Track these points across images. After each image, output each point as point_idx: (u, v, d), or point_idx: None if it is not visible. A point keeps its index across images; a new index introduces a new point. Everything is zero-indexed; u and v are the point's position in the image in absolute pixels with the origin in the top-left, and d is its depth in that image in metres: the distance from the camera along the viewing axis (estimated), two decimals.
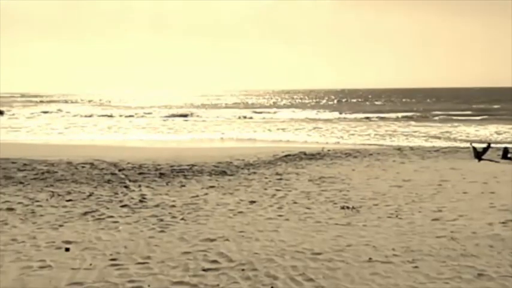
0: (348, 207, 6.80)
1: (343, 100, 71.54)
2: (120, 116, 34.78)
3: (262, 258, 4.62)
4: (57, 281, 4.04)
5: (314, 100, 74.09)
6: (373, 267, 4.42)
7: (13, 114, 35.36)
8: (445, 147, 15.09)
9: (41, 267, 4.46)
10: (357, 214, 6.49)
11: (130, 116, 35.01)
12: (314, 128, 25.05)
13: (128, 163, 11.23)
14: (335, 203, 7.12)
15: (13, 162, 11.35)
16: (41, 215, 6.49)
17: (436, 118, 31.36)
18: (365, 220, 6.16)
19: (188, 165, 10.87)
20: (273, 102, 68.87)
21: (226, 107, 55.38)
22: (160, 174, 9.77)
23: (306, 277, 4.17)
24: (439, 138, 19.87)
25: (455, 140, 19.03)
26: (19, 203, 7.22)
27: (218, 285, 3.98)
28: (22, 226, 5.95)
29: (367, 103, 62.27)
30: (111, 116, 35.16)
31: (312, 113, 38.12)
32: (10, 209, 6.81)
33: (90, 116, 35.60)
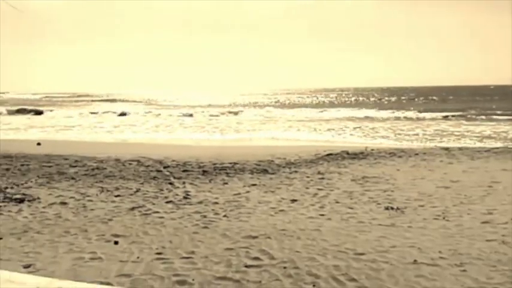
0: (392, 208, 6.66)
1: (389, 98, 69.77)
2: (170, 115, 35.26)
3: (304, 257, 4.63)
4: (107, 273, 4.23)
5: (358, 98, 72.79)
6: (419, 269, 4.31)
7: (53, 115, 36.94)
8: (497, 148, 14.37)
9: (92, 259, 4.69)
10: (402, 215, 6.34)
11: (182, 114, 35.38)
12: (358, 127, 24.54)
13: (173, 161, 11.54)
14: (379, 204, 6.98)
15: (65, 159, 11.97)
16: (92, 209, 6.80)
17: (491, 117, 29.72)
18: (410, 221, 6.01)
19: (230, 163, 11.02)
20: (318, 101, 68.26)
21: (269, 105, 55.46)
22: (204, 171, 9.97)
23: (348, 277, 4.13)
24: (493, 138, 18.83)
25: (511, 140, 18.00)
26: (71, 197, 7.61)
27: (260, 281, 4.02)
28: (74, 219, 6.27)
29: (415, 101, 60.33)
30: (159, 114, 35.83)
31: (356, 112, 37.35)
32: (63, 203, 7.19)
33: (147, 113, 36.24)
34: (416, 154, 12.23)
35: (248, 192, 7.92)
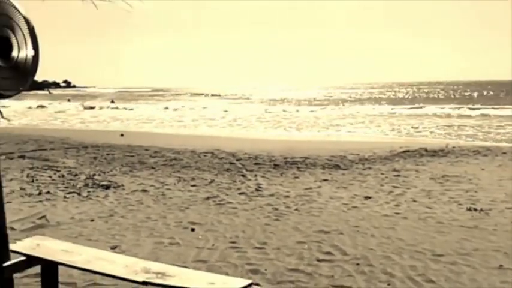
0: (475, 209, 6.25)
1: (477, 93, 64.80)
2: (247, 109, 35.26)
3: (378, 255, 4.51)
4: (185, 257, 4.45)
5: (444, 93, 68.82)
6: (505, 274, 4.02)
7: (135, 109, 38.88)
8: None
9: (171, 244, 4.95)
10: (486, 217, 5.93)
11: (260, 109, 35.28)
12: (440, 124, 23.13)
13: (245, 153, 11.79)
14: (460, 204, 6.59)
15: (146, 150, 12.73)
16: (170, 198, 7.17)
17: None
18: (495, 224, 5.60)
19: (301, 157, 11.02)
20: (395, 96, 65.54)
21: (347, 100, 54.20)
22: (275, 165, 10.06)
23: (426, 278, 3.96)
24: None
25: None
26: (151, 185, 8.08)
27: (332, 276, 4.00)
28: (155, 206, 6.65)
29: (500, 97, 55.65)
30: (237, 109, 35.95)
31: (436, 107, 35.15)
32: (144, 191, 7.66)
33: (224, 107, 36.68)
34: (504, 153, 11.33)
35: (319, 187, 7.87)
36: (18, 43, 2.77)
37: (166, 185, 8.13)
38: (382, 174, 8.90)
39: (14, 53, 2.70)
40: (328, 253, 4.58)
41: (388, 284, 3.85)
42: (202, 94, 77.22)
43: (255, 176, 8.89)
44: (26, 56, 2.74)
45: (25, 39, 2.80)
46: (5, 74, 2.62)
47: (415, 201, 6.81)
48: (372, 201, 6.84)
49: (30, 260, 2.99)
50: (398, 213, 6.14)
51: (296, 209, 6.40)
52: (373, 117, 27.74)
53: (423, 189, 7.58)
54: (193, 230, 5.43)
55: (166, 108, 39.60)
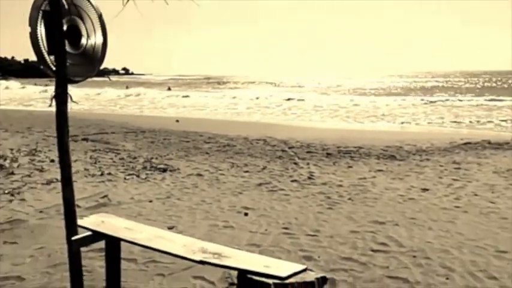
0: None
1: None
2: (303, 99, 34.17)
3: (436, 248, 4.35)
4: (238, 240, 4.54)
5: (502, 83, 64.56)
6: None
7: (189, 96, 39.57)
8: None
9: (225, 227, 5.07)
10: None
11: (317, 99, 34.45)
12: (509, 117, 21.58)
13: (297, 141, 11.74)
14: None
15: (200, 135, 13.03)
16: (224, 182, 7.31)
17: None
18: None
19: (355, 147, 10.80)
20: (457, 85, 62.29)
21: (410, 88, 52.12)
22: (327, 154, 9.95)
23: (487, 274, 3.78)
24: None
25: None
26: (206, 170, 8.27)
27: (387, 267, 3.91)
28: (209, 190, 6.82)
29: None
30: (293, 99, 35.24)
31: (508, 98, 32.70)
32: (199, 175, 7.86)
33: (288, 99, 36.25)
34: None
35: (374, 177, 7.68)
36: (87, 31, 2.92)
37: (220, 170, 8.29)
38: (440, 166, 8.53)
39: (83, 41, 2.85)
40: (383, 244, 4.49)
41: (447, 278, 3.71)
42: (257, 82, 77.41)
43: (307, 164, 8.84)
44: (95, 43, 2.88)
45: (94, 27, 2.94)
46: (74, 60, 2.77)
47: (476, 195, 6.47)
48: (430, 193, 6.58)
49: (96, 235, 3.18)
50: (458, 207, 5.87)
51: (349, 199, 6.30)
52: (434, 107, 26.50)
53: (486, 183, 7.18)
54: (246, 214, 5.52)
55: (222, 95, 40.13)
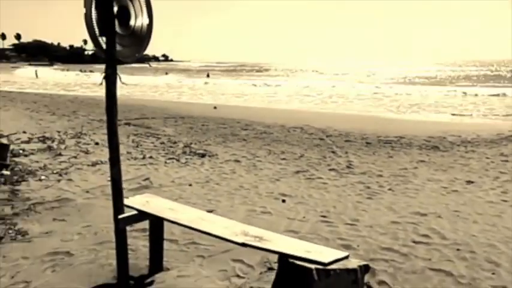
0: None
1: None
2: (345, 87, 33.49)
3: (481, 242, 4.20)
4: (276, 226, 4.55)
5: None
6: None
7: (226, 83, 39.53)
8: None
9: (263, 212, 5.09)
10: None
11: (360, 87, 33.60)
12: None
13: (335, 130, 11.60)
14: None
15: (238, 122, 13.10)
16: (261, 169, 7.34)
17: None
18: None
19: (396, 136, 10.55)
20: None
21: (460, 78, 49.95)
22: (367, 143, 9.77)
23: None
24: None
25: None
26: (243, 156, 8.32)
27: (430, 259, 3.82)
28: (247, 176, 6.86)
29: None
30: (334, 86, 34.56)
31: None
32: (237, 161, 7.92)
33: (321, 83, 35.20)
34: None
35: (416, 168, 7.48)
36: (135, 12, 2.97)
37: (257, 156, 8.31)
38: (487, 158, 8.19)
39: (132, 22, 2.90)
40: (425, 236, 4.37)
41: (493, 273, 3.58)
42: (298, 70, 76.62)
43: (346, 153, 8.72)
44: (142, 24, 2.93)
45: (141, 7, 2.98)
46: (124, 41, 2.83)
47: None
48: (475, 186, 6.34)
49: (141, 215, 3.28)
50: (505, 201, 5.63)
51: (390, 189, 6.18)
52: (482, 98, 25.35)
53: None
54: (284, 201, 5.52)
55: (263, 83, 40.04)
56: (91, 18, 2.63)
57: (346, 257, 2.56)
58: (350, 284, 2.41)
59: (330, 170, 7.32)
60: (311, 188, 6.20)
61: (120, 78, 2.83)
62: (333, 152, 8.84)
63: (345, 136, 10.66)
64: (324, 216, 4.94)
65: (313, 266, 2.37)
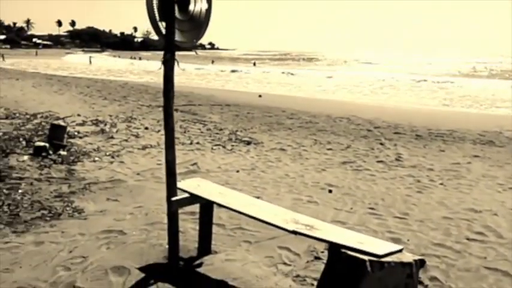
0: None
1: None
2: (398, 80, 32.09)
3: None
4: (323, 216, 4.50)
5: None
6: None
7: (270, 71, 39.05)
8: None
9: (309, 202, 5.06)
10: None
11: (413, 80, 32.14)
12: None
13: (383, 121, 11.29)
14: None
15: (283, 111, 13.05)
16: (307, 158, 7.28)
17: None
18: None
19: (448, 130, 10.13)
20: None
21: None
22: (417, 136, 9.45)
23: None
24: None
25: None
26: (289, 145, 8.29)
27: (485, 258, 3.65)
28: (292, 165, 6.84)
29: None
30: (392, 78, 33.29)
31: None
32: (282, 149, 7.90)
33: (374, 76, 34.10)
34: None
35: (469, 163, 7.16)
36: None
37: (303, 146, 8.26)
38: None
39: (191, 7, 2.92)
40: (480, 233, 4.18)
41: None
42: (349, 60, 74.99)
43: (395, 145, 8.48)
44: (201, 9, 2.94)
45: None
46: (183, 27, 2.86)
47: None
48: None
49: (193, 198, 3.34)
50: None
51: (441, 184, 5.95)
52: None
53: None
54: (330, 191, 5.46)
55: (309, 72, 39.59)
56: (152, 4, 2.68)
57: (400, 251, 2.49)
58: (405, 277, 2.35)
59: (378, 162, 7.15)
60: (358, 179, 6.09)
61: (178, 63, 2.87)
62: (381, 143, 8.62)
63: (393, 128, 10.37)
64: (372, 209, 4.84)
65: (366, 258, 2.32)
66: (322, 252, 3.66)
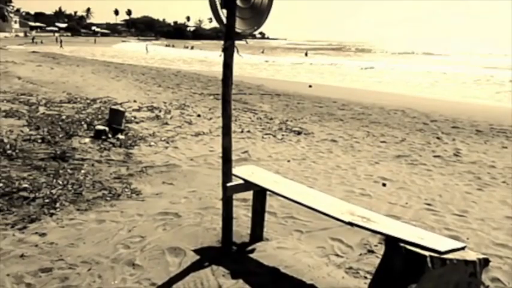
0: None
1: None
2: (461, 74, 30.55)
3: None
4: (376, 209, 4.37)
5: None
6: None
7: (321, 63, 38.51)
8: None
9: (362, 194, 4.96)
10: None
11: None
12: None
13: (440, 115, 10.84)
14: None
15: (334, 102, 12.85)
16: (359, 150, 7.14)
17: None
18: None
19: (511, 126, 9.55)
20: None
21: None
22: (477, 131, 8.98)
23: None
24: None
25: None
26: (340, 136, 8.16)
27: None
28: (344, 156, 6.73)
29: None
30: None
31: None
32: (333, 141, 7.79)
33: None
34: None
35: None
36: None
37: (355, 138, 8.09)
38: None
39: None
40: None
41: None
42: (409, 52, 72.23)
43: (453, 140, 8.11)
44: None
45: None
46: (244, 14, 2.87)
47: None
48: None
49: (247, 184, 3.38)
50: None
51: (504, 182, 5.63)
52: None
53: None
54: (384, 185, 5.32)
55: (362, 64, 38.61)
56: None
57: (463, 248, 2.39)
58: (467, 276, 2.25)
59: (435, 156, 6.87)
60: (413, 173, 5.89)
61: (237, 50, 2.88)
62: (438, 138, 8.28)
63: (451, 122, 9.92)
64: (429, 204, 4.67)
65: (427, 253, 2.25)
66: (376, 246, 3.59)
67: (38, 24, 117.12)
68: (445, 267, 2.24)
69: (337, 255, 3.47)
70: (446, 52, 72.34)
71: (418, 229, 2.70)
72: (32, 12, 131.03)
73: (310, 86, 17.80)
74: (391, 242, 2.48)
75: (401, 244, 2.38)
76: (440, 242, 2.38)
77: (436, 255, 2.24)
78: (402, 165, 6.30)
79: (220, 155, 3.51)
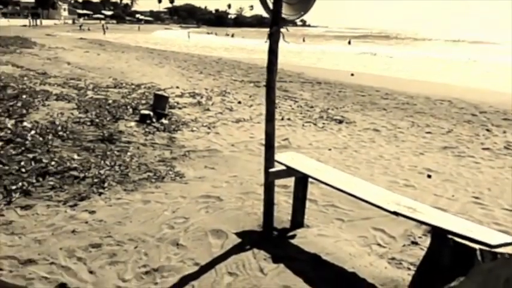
0: None
1: None
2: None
3: None
4: (421, 201, 4.20)
5: None
6: None
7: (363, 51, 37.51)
8: None
9: (405, 185, 4.85)
10: None
11: None
12: None
13: (490, 106, 10.36)
14: None
15: (377, 91, 12.55)
16: (403, 141, 6.96)
17: None
18: None
19: None
20: None
21: None
22: None
23: None
24: None
25: None
26: (383, 126, 7.97)
27: None
28: (387, 146, 6.58)
29: None
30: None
31: None
32: (376, 130, 7.63)
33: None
34: None
35: None
36: None
37: (399, 128, 7.89)
38: None
39: None
40: None
41: None
42: (456, 41, 69.25)
43: (504, 132, 7.74)
44: None
45: None
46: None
47: None
48: None
49: (290, 171, 3.38)
50: None
51: None
52: None
53: None
54: (429, 176, 5.17)
55: (406, 52, 37.43)
56: None
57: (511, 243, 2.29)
58: None
59: (484, 149, 6.60)
60: (461, 166, 5.68)
61: (283, 36, 2.87)
62: (488, 130, 7.93)
63: (502, 113, 9.46)
64: (477, 198, 4.50)
65: (477, 246, 2.18)
66: (420, 237, 3.51)
67: (85, 11, 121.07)
68: (495, 262, 2.16)
69: (380, 245, 3.42)
70: (495, 41, 68.70)
71: (466, 221, 2.61)
72: (80, 0, 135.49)
73: (352, 75, 17.45)
74: (439, 234, 2.42)
75: (450, 236, 2.32)
76: (490, 236, 2.29)
77: (486, 248, 2.17)
78: (448, 157, 6.09)
79: (261, 141, 3.54)
